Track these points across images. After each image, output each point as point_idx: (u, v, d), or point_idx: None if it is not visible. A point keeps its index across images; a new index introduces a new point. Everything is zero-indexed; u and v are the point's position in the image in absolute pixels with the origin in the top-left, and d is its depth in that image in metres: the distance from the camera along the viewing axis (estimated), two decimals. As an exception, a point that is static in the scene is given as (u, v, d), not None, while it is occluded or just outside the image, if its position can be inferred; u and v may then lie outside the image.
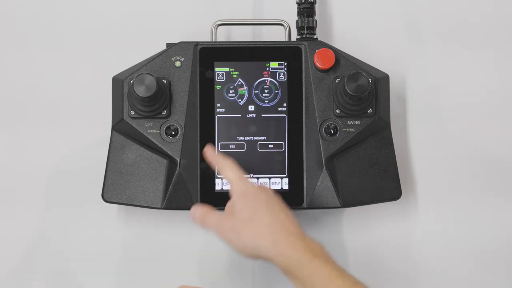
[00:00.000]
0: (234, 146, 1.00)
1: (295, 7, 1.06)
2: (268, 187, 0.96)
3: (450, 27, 1.11)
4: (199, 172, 0.99)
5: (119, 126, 1.00)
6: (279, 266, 0.82)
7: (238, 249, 0.85)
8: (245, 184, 0.88)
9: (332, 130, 0.99)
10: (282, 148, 1.00)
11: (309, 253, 0.81)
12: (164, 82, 0.99)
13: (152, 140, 0.99)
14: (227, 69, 1.01)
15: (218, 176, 0.99)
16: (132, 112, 0.99)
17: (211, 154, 0.94)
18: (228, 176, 0.91)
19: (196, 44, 1.01)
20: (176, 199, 0.99)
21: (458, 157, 1.09)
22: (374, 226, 1.08)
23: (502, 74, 1.11)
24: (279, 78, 1.01)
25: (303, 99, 1.00)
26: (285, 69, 1.01)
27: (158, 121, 0.99)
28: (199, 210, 0.90)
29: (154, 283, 1.06)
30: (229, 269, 1.07)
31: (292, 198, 0.99)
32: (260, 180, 1.00)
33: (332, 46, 1.01)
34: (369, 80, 0.96)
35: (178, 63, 1.00)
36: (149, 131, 0.99)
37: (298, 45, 1.01)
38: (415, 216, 1.08)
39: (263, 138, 1.00)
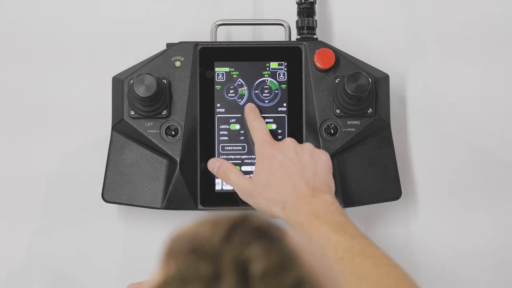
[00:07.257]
0: (234, 147, 1.00)
1: (295, 7, 1.06)
2: (292, 140, 0.95)
3: (450, 27, 1.11)
4: (199, 172, 0.99)
5: (119, 126, 1.00)
6: (289, 226, 0.89)
7: (256, 208, 0.93)
8: (263, 148, 0.93)
9: (332, 130, 0.99)
10: (282, 148, 1.00)
11: (311, 216, 0.87)
12: (164, 82, 0.99)
13: (152, 140, 0.99)
14: (227, 69, 1.01)
15: (218, 176, 1.00)
16: (132, 112, 0.99)
17: (249, 111, 0.98)
18: (254, 138, 0.96)
19: (196, 44, 1.01)
20: (176, 199, 0.98)
21: (458, 157, 1.09)
22: (374, 226, 1.08)
23: (502, 73, 1.11)
24: (279, 78, 1.01)
25: (303, 99, 1.00)
26: (285, 69, 1.01)
27: (158, 121, 0.99)
28: (222, 165, 0.96)
29: (154, 283, 1.06)
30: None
31: (292, 198, 0.99)
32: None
33: (332, 46, 1.01)
34: (369, 80, 0.96)
35: (178, 63, 1.00)
36: (149, 131, 0.99)
37: (298, 45, 1.01)
38: (415, 216, 1.08)
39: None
